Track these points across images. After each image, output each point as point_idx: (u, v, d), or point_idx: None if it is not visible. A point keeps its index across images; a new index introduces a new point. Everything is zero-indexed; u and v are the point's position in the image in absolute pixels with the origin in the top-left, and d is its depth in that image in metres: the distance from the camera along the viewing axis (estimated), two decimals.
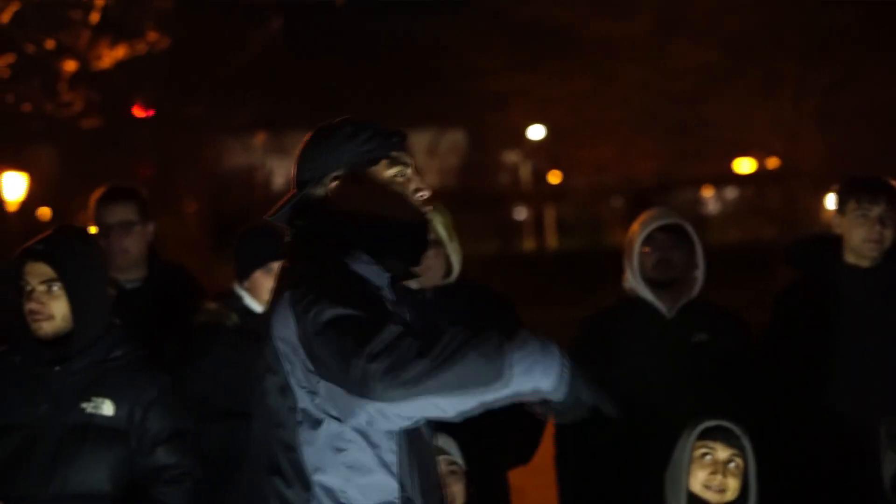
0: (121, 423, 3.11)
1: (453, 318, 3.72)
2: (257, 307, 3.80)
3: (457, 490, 3.21)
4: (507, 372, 2.08)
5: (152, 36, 12.89)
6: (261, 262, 3.77)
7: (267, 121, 18.97)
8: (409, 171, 2.40)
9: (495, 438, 3.62)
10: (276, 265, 3.72)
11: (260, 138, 21.40)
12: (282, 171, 28.13)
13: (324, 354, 2.17)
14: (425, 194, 2.39)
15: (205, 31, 14.67)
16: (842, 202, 3.75)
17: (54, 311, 3.10)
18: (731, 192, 26.90)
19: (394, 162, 2.39)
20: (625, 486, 3.66)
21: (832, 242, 3.81)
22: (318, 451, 2.26)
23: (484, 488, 3.49)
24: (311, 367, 2.23)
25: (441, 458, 3.18)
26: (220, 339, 3.76)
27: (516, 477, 3.91)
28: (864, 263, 3.75)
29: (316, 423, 2.26)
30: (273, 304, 2.33)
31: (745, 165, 21.69)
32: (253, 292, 3.83)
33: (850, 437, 3.55)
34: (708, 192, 26.93)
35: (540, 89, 16.21)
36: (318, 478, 2.26)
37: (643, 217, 3.79)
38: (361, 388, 2.11)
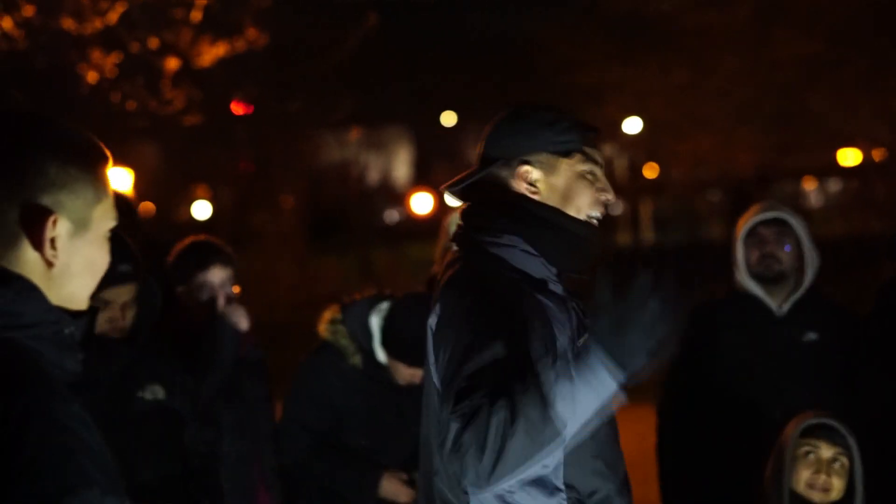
0: (173, 404, 3.20)
1: None
2: (383, 359, 3.65)
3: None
4: (561, 428, 2.00)
5: (252, 34, 13.08)
6: (406, 361, 3.55)
7: (362, 116, 19.13)
8: (598, 170, 2.36)
9: None
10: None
11: (355, 133, 21.59)
12: (376, 166, 28.35)
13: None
14: (610, 197, 2.35)
15: (302, 29, 14.85)
16: None
17: (129, 320, 3.19)
18: (834, 185, 26.25)
19: (588, 158, 2.35)
20: (725, 481, 3.59)
21: None
22: None
23: None
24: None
25: None
26: (339, 371, 3.63)
27: None
28: None
29: None
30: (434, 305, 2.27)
31: (849, 156, 21.14)
32: (388, 363, 3.63)
33: None
34: (810, 185, 26.31)
35: (637, 82, 16.03)
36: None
37: (750, 211, 3.73)
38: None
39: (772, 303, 3.65)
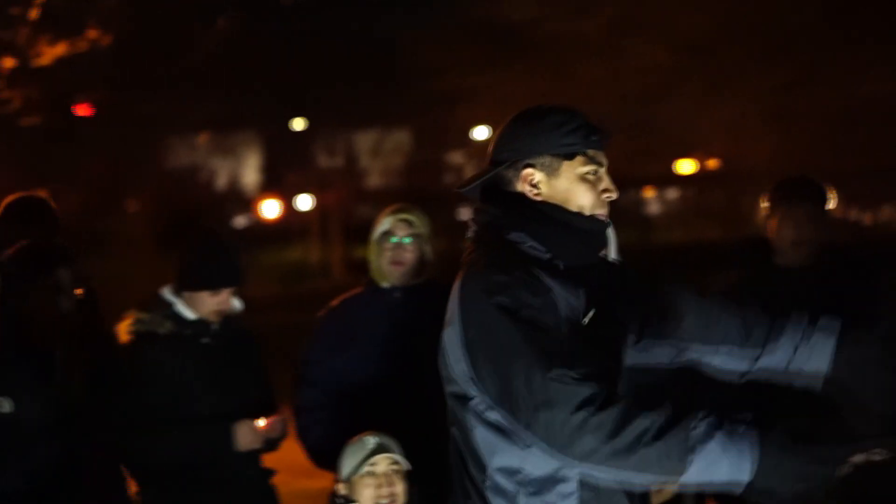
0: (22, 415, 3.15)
1: (422, 318, 3.87)
2: (189, 314, 3.78)
3: (399, 490, 3.24)
4: (687, 467, 2.09)
5: (93, 33, 12.73)
6: (213, 286, 3.74)
7: (214, 120, 18.82)
8: (602, 170, 2.43)
9: (446, 439, 3.64)
10: (226, 291, 3.77)
11: (203, 138, 21.23)
12: (225, 172, 27.92)
13: (516, 391, 2.18)
14: (612, 196, 2.42)
15: (151, 30, 14.52)
16: (771, 205, 3.85)
17: None
18: (672, 193, 27.17)
19: (590, 160, 2.42)
20: None
21: (766, 244, 3.90)
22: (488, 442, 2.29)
23: (431, 489, 3.52)
24: (477, 386, 2.27)
25: (383, 456, 3.21)
26: (157, 346, 3.73)
27: None
28: (794, 264, 3.83)
29: (481, 420, 2.29)
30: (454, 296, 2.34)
31: (686, 166, 21.94)
32: (191, 304, 3.78)
33: None
34: (650, 193, 27.16)
35: (493, 89, 16.24)
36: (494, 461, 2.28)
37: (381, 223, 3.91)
38: (560, 445, 2.14)
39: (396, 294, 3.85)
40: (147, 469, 3.77)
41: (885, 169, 19.49)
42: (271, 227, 23.67)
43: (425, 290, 3.85)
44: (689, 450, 2.10)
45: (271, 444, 3.80)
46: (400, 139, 25.11)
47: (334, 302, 3.98)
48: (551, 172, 2.41)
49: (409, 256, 3.84)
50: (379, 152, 26.33)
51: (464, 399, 2.31)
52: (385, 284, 3.88)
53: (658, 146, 18.12)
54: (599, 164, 2.43)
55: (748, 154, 15.92)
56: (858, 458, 3.11)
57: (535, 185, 2.41)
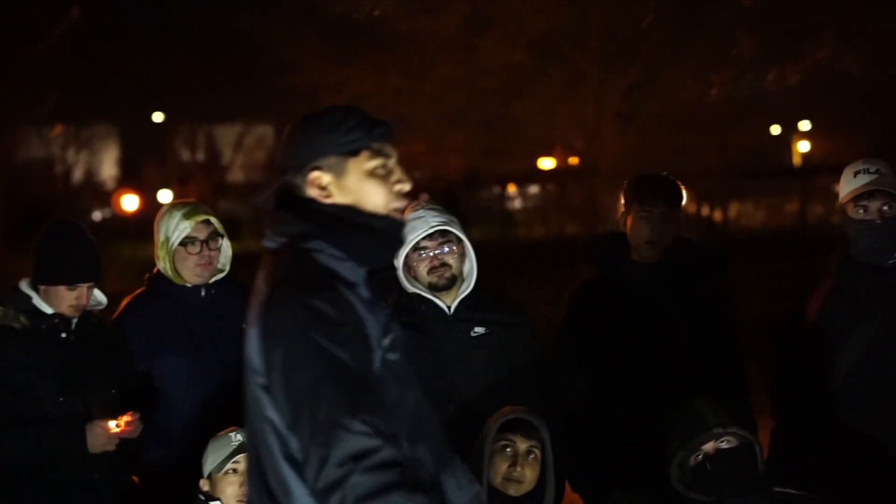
0: None
1: (226, 312, 3.85)
2: (47, 309, 3.70)
3: None
4: None
5: None
6: (70, 281, 3.65)
7: (67, 113, 18.24)
8: (390, 162, 2.38)
9: None
10: (84, 286, 3.68)
11: (58, 130, 20.57)
12: (81, 164, 27.09)
13: (303, 422, 2.17)
14: (405, 187, 2.37)
15: (2, 18, 13.98)
16: (626, 203, 3.94)
17: None
18: (533, 189, 27.61)
19: (375, 154, 2.36)
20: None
21: (622, 239, 3.99)
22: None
23: None
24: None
25: (245, 455, 3.17)
26: (10, 342, 3.63)
27: None
28: (648, 259, 3.94)
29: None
30: (254, 309, 2.28)
31: (547, 163, 22.30)
32: (47, 298, 3.70)
33: (645, 427, 3.70)
34: (512, 189, 27.55)
35: (351, 85, 16.22)
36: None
37: (409, 222, 3.82)
38: (317, 490, 2.14)
39: (442, 303, 3.78)
40: None
41: (733, 168, 20.27)
42: (130, 220, 23.10)
43: (226, 284, 3.97)
44: None
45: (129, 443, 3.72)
46: (262, 133, 24.81)
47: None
48: (339, 172, 2.35)
49: (214, 256, 3.91)
50: (242, 146, 25.95)
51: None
52: (197, 280, 3.92)
53: (517, 143, 18.37)
54: (388, 157, 2.39)
55: (604, 152, 16.30)
56: (708, 447, 3.23)
57: (324, 188, 2.35)
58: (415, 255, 3.67)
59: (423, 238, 3.65)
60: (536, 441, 3.24)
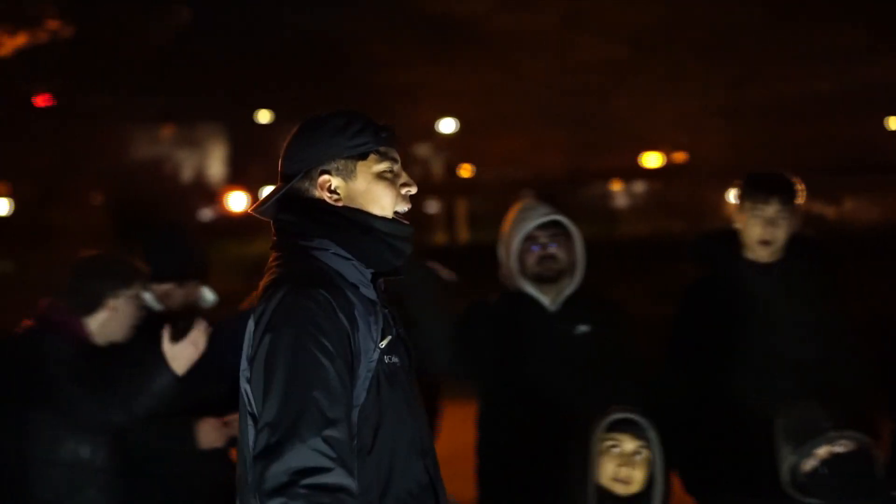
0: None
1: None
2: (156, 305, 3.79)
3: None
4: None
5: (53, 24, 12.60)
6: (179, 277, 3.73)
7: (175, 112, 18.69)
8: (397, 166, 2.39)
9: None
10: (193, 283, 3.73)
11: (168, 130, 21.09)
12: (189, 164, 27.75)
13: (267, 419, 2.20)
14: (412, 190, 2.38)
15: (111, 21, 14.39)
16: (740, 199, 3.84)
17: None
18: (639, 186, 27.31)
19: (383, 157, 2.37)
20: (533, 477, 3.69)
21: (733, 237, 3.89)
22: None
23: None
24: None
25: None
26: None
27: None
28: (762, 259, 3.84)
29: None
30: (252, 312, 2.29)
31: (651, 159, 22.04)
32: (156, 295, 3.78)
33: (754, 430, 3.62)
34: (616, 186, 27.30)
35: (449, 82, 16.28)
36: None
37: (515, 213, 3.81)
38: (260, 492, 2.17)
39: (545, 300, 3.78)
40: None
41: (846, 163, 19.74)
42: (238, 219, 23.55)
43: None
44: None
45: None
46: None
47: None
48: (348, 175, 2.35)
49: None
50: None
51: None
52: None
53: (618, 140, 18.21)
54: (394, 160, 2.39)
55: (708, 148, 16.04)
56: (823, 451, 3.12)
57: (333, 191, 2.35)
58: (525, 245, 3.68)
59: (536, 228, 3.66)
60: (644, 441, 3.19)
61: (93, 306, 3.57)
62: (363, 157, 2.36)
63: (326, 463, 2.14)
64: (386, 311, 2.36)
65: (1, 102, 13.51)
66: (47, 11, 12.63)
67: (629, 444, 3.18)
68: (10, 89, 13.75)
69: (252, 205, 2.40)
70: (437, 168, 25.66)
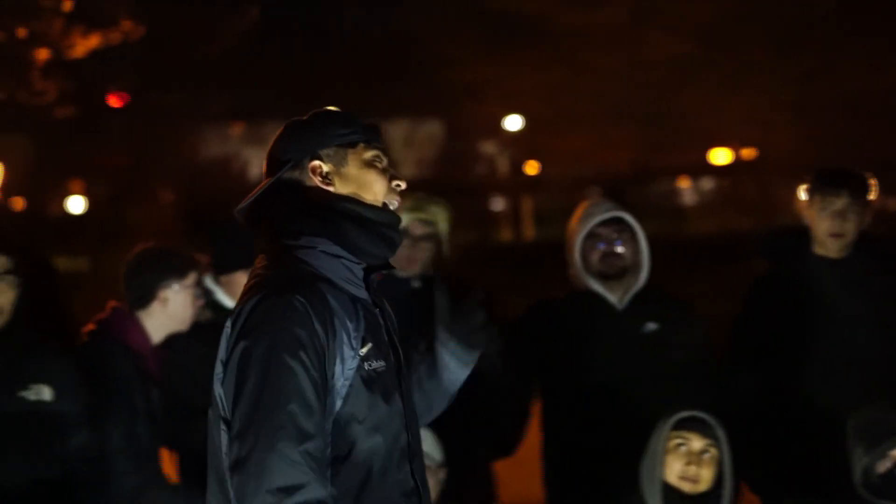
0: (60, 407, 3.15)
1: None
2: (229, 302, 3.82)
3: (430, 484, 3.21)
4: None
5: (126, 24, 12.81)
6: (245, 264, 3.75)
7: (243, 111, 18.90)
8: (386, 159, 2.40)
9: (479, 430, 3.64)
10: None
11: (236, 128, 21.32)
12: (258, 162, 28.02)
13: (243, 434, 2.17)
14: (401, 185, 2.38)
15: (181, 20, 14.59)
16: (809, 194, 3.79)
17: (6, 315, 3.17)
18: (707, 183, 27.00)
19: (371, 146, 2.39)
20: (601, 476, 3.67)
21: (803, 233, 3.84)
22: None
23: (468, 480, 3.51)
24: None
25: None
26: (194, 335, 3.73)
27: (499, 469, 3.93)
28: (832, 254, 3.78)
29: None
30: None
31: (720, 156, 21.78)
32: (228, 289, 3.82)
33: (823, 429, 3.57)
34: (684, 183, 27.02)
35: (515, 80, 16.24)
36: None
37: (581, 211, 3.79)
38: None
39: (612, 297, 3.74)
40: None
41: None
42: None
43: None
44: None
45: None
46: (432, 130, 25.10)
47: None
48: (339, 161, 2.35)
49: (419, 254, 3.83)
50: (412, 143, 26.35)
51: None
52: (402, 274, 3.84)
53: (686, 136, 18.00)
54: (383, 152, 2.40)
55: (777, 144, 15.79)
56: None
57: (325, 177, 2.34)
58: (589, 243, 3.67)
59: (599, 225, 3.64)
60: (712, 440, 3.16)
61: (145, 300, 3.59)
62: (353, 145, 2.37)
63: (304, 479, 2.13)
64: (377, 310, 2.34)
65: (75, 102, 13.76)
66: (119, 13, 12.84)
67: (697, 443, 3.15)
68: (84, 90, 14.00)
69: (239, 205, 2.37)
70: (503, 165, 25.62)
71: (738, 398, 3.75)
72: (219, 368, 2.28)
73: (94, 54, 13.04)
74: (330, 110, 2.41)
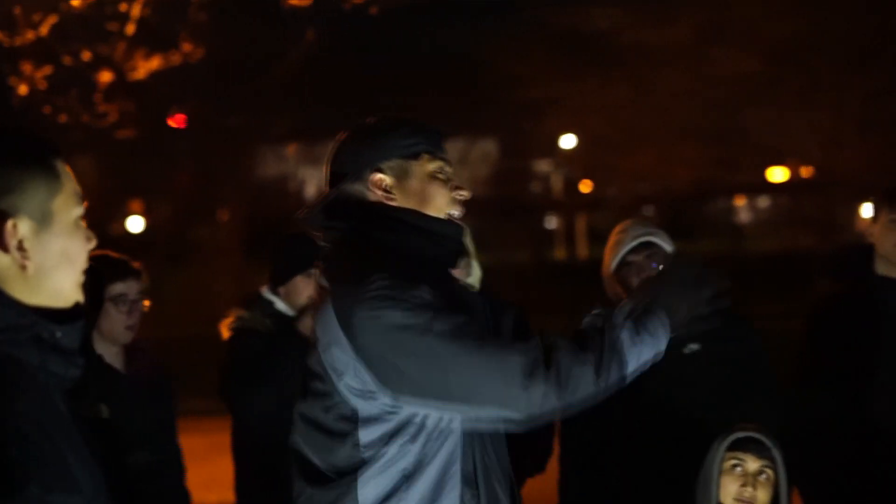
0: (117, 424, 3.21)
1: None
2: (289, 311, 3.86)
3: None
4: (627, 375, 2.27)
5: (187, 47, 13.00)
6: (302, 268, 3.80)
7: (300, 131, 19.08)
8: (449, 168, 2.35)
9: (517, 449, 3.61)
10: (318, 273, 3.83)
11: (293, 148, 21.52)
12: (314, 181, 28.28)
13: (433, 370, 2.12)
14: (464, 193, 2.33)
15: (241, 43, 14.78)
16: (876, 210, 3.73)
17: None
18: (763, 201, 26.70)
19: (436, 157, 2.33)
20: (648, 495, 3.62)
21: (866, 252, 3.78)
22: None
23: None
24: (377, 378, 2.17)
25: None
26: (257, 345, 3.79)
27: None
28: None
29: (371, 424, 2.21)
30: (322, 312, 2.24)
31: (778, 173, 21.52)
32: (288, 297, 3.89)
33: (892, 452, 3.50)
34: (741, 201, 26.73)
35: (575, 98, 16.18)
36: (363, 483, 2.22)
37: (613, 238, 3.67)
38: (521, 408, 2.14)
39: None
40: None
41: None
42: None
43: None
44: (623, 363, 2.23)
45: None
46: (486, 148, 25.12)
47: None
48: (402, 174, 2.30)
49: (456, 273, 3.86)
50: (466, 161, 26.39)
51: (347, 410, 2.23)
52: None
53: (748, 154, 17.81)
54: (447, 162, 2.34)
55: (842, 161, 15.55)
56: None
57: (387, 191, 2.30)
58: (624, 270, 3.60)
59: (629, 252, 3.57)
60: (768, 461, 3.11)
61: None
62: (416, 156, 2.31)
63: (525, 352, 2.16)
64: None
65: (137, 124, 13.99)
66: (180, 35, 13.04)
67: (753, 464, 3.10)
68: (146, 111, 14.22)
69: (300, 213, 2.33)
70: (557, 184, 25.56)
71: (802, 418, 3.68)
72: (346, 355, 2.20)
73: (156, 76, 13.25)
74: (394, 117, 2.35)
